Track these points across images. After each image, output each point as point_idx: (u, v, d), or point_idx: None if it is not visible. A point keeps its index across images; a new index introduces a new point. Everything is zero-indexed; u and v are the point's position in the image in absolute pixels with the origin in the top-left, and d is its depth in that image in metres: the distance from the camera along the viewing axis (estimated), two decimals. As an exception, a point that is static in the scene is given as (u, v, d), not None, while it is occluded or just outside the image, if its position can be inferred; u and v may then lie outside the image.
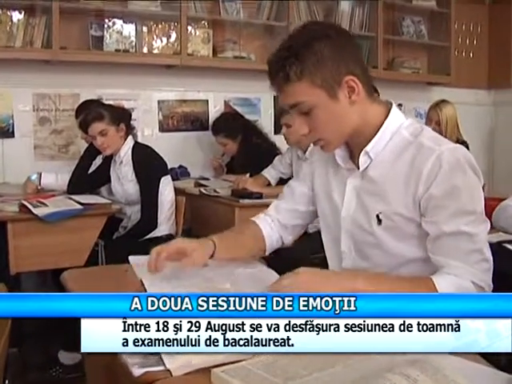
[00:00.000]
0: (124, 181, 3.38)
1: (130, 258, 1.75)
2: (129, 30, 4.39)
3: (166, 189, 3.39)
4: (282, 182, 4.07)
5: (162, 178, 3.36)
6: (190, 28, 4.56)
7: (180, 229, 3.49)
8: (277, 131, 4.70)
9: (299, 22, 4.88)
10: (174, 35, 4.55)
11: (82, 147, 4.26)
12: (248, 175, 4.14)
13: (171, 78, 4.69)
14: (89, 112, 3.38)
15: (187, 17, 4.44)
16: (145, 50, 4.49)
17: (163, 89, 4.72)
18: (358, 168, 1.56)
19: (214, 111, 4.89)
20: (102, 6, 4.22)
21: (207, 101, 4.92)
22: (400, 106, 5.79)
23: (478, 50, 6.29)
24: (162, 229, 3.34)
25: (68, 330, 3.09)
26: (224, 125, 4.44)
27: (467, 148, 4.54)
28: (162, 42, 4.55)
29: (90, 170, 3.60)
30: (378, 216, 1.52)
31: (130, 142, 3.39)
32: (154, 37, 4.52)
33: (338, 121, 1.49)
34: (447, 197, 1.42)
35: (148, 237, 3.27)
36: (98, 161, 3.62)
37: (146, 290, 1.45)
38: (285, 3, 4.80)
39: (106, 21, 4.29)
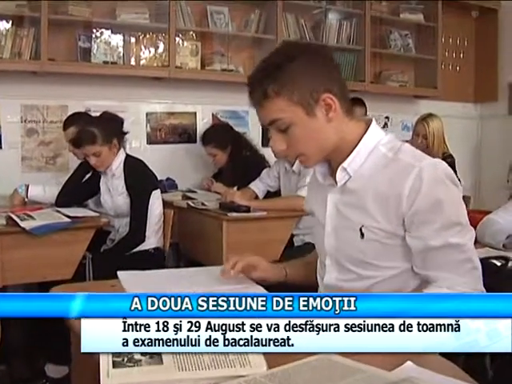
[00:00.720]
0: (114, 193, 3.37)
1: (119, 273, 1.74)
2: (117, 41, 4.40)
3: (156, 202, 3.38)
4: (269, 194, 4.09)
5: (153, 192, 3.35)
6: (178, 40, 4.56)
7: (168, 242, 3.47)
8: (264, 144, 4.70)
9: (287, 35, 4.92)
10: (162, 47, 4.56)
11: (69, 159, 4.26)
12: (236, 188, 4.14)
13: (159, 90, 4.69)
14: (81, 132, 3.34)
15: (176, 29, 4.45)
16: (133, 61, 4.50)
17: (151, 101, 4.72)
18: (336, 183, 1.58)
19: (202, 123, 4.90)
20: (90, 17, 4.24)
21: (195, 113, 4.92)
22: (387, 118, 5.84)
23: (465, 63, 6.35)
24: (150, 242, 3.33)
25: (55, 342, 3.08)
26: (214, 135, 4.44)
27: (453, 162, 4.62)
28: (150, 53, 4.56)
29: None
30: (360, 229, 1.53)
31: (121, 155, 3.37)
32: (143, 48, 4.53)
33: (315, 137, 1.51)
34: (432, 211, 1.44)
35: (136, 250, 3.26)
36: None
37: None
38: (273, 16, 4.83)
39: (95, 32, 4.29)
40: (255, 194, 4.02)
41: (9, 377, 3.04)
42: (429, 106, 5.78)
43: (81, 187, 3.53)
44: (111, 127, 3.38)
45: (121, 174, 3.33)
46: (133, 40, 4.49)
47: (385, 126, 5.86)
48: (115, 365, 1.00)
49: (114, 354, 1.02)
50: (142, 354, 1.03)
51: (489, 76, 6.28)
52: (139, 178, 3.33)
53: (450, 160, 4.63)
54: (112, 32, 4.36)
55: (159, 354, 1.03)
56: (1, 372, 2.92)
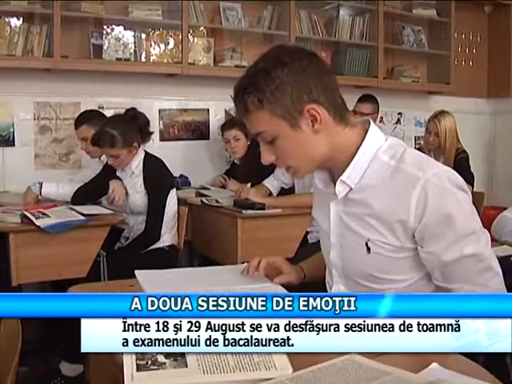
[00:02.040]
0: (132, 191, 3.35)
1: (137, 272, 1.73)
2: (130, 38, 4.40)
3: (172, 201, 3.38)
4: (284, 191, 4.07)
5: (170, 191, 3.36)
6: (190, 37, 4.56)
7: (182, 240, 3.47)
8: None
9: (300, 31, 4.91)
10: (174, 44, 4.55)
11: (82, 156, 4.26)
12: (249, 185, 4.13)
13: (172, 86, 4.69)
14: (102, 133, 3.29)
15: (188, 25, 4.45)
16: (145, 58, 4.49)
17: (164, 98, 4.72)
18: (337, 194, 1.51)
19: (215, 120, 4.89)
20: (102, 14, 4.24)
21: (208, 110, 4.92)
22: (400, 114, 5.82)
23: (478, 58, 6.32)
24: (165, 240, 3.33)
25: (70, 340, 3.08)
26: (239, 120, 4.41)
27: (467, 157, 4.59)
28: (162, 50, 4.55)
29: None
30: (366, 243, 1.48)
31: (141, 154, 3.35)
32: (155, 45, 4.52)
33: (302, 149, 1.45)
34: (442, 226, 1.39)
35: (150, 248, 3.26)
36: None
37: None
38: (286, 13, 4.82)
39: (107, 29, 4.30)
40: (269, 191, 4.00)
41: (22, 374, 3.05)
42: (442, 102, 5.76)
43: (96, 184, 3.52)
44: (132, 129, 3.34)
45: (140, 173, 3.32)
46: (145, 37, 4.48)
47: (398, 121, 5.84)
48: (139, 368, 0.99)
49: (138, 357, 1.01)
50: (166, 356, 1.02)
51: (502, 71, 6.24)
52: (159, 177, 3.33)
53: (463, 155, 4.62)
54: (125, 29, 4.36)
55: (184, 356, 1.02)
56: (22, 373, 2.92)
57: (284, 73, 1.39)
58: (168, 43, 4.55)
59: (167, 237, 3.36)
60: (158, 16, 4.41)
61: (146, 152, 3.40)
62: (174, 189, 3.44)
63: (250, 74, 1.44)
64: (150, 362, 1.00)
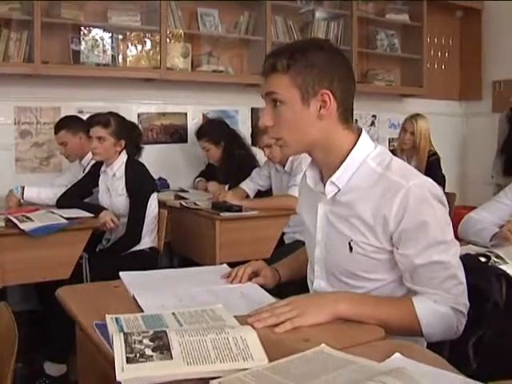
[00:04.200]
0: (113, 193, 3.43)
1: (121, 274, 1.82)
2: (109, 43, 4.46)
3: (153, 204, 3.46)
4: (260, 193, 4.18)
5: (151, 195, 3.44)
6: (169, 42, 4.63)
7: (162, 241, 3.55)
8: (253, 143, 4.79)
9: (276, 36, 5.01)
10: (153, 49, 4.62)
11: (63, 160, 4.32)
12: (227, 187, 4.23)
13: (150, 91, 4.76)
14: (99, 115, 3.45)
15: (166, 31, 4.52)
16: (124, 63, 4.56)
17: (143, 102, 4.79)
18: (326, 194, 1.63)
19: (193, 123, 4.98)
20: (81, 20, 4.29)
21: (186, 114, 5.00)
22: (374, 117, 5.95)
23: (450, 62, 6.49)
24: (145, 242, 3.41)
25: (54, 341, 3.15)
26: (208, 130, 4.51)
27: (438, 160, 4.72)
28: (141, 55, 4.62)
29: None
30: (349, 243, 1.59)
31: (123, 156, 3.44)
32: (134, 50, 4.59)
33: (299, 126, 1.56)
34: (417, 231, 1.50)
35: (132, 250, 3.34)
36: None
37: (139, 305, 1.53)
38: (262, 18, 4.92)
39: (86, 35, 4.36)
40: (246, 193, 4.11)
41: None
42: (415, 104, 5.91)
43: (79, 185, 3.59)
44: (126, 130, 3.47)
45: (122, 176, 3.40)
46: (124, 42, 4.55)
47: (372, 124, 5.97)
48: (128, 360, 1.08)
49: (127, 351, 1.10)
50: (153, 350, 1.11)
51: (473, 75, 6.43)
52: (140, 180, 3.41)
53: (435, 158, 4.76)
54: (104, 34, 4.42)
55: (169, 349, 1.11)
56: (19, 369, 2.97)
57: (319, 56, 1.54)
58: (146, 48, 4.63)
59: (148, 239, 3.44)
60: (137, 22, 4.48)
61: (128, 156, 3.48)
62: (155, 192, 3.52)
63: (289, 46, 1.60)
64: (138, 355, 1.09)
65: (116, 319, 1.34)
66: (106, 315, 1.36)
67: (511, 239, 2.30)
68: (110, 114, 3.46)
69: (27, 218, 2.97)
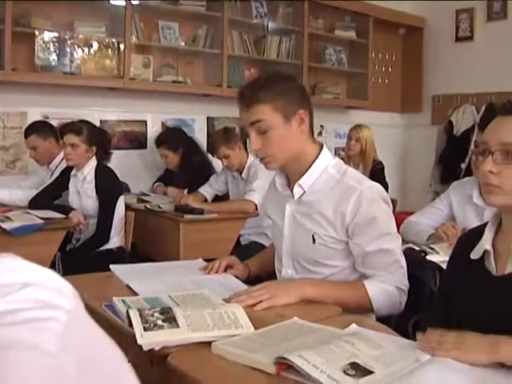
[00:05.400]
0: (83, 196, 3.66)
1: (112, 266, 2.09)
2: (75, 53, 4.66)
3: (120, 206, 3.71)
4: (217, 198, 4.48)
5: (119, 197, 3.69)
6: (132, 53, 4.86)
7: (129, 241, 3.80)
8: (208, 150, 5.07)
9: (232, 49, 5.30)
10: (116, 59, 4.85)
11: (28, 163, 4.51)
12: (186, 191, 4.50)
13: (112, 99, 4.98)
14: (72, 123, 3.68)
15: (130, 43, 4.76)
16: (89, 72, 4.76)
17: (105, 109, 5.00)
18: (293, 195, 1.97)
19: (152, 131, 5.22)
20: (50, 29, 4.48)
21: (145, 121, 5.25)
22: (322, 127, 6.30)
23: (393, 77, 6.92)
24: (114, 241, 3.65)
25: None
26: (167, 138, 4.79)
27: (383, 168, 5.09)
28: (105, 65, 4.83)
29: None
30: (312, 236, 1.92)
31: (93, 161, 3.67)
32: (99, 60, 4.80)
33: (287, 142, 1.88)
34: (368, 225, 1.85)
35: (101, 249, 3.58)
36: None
37: (134, 292, 1.80)
38: (219, 32, 5.20)
39: (54, 44, 4.54)
40: (204, 198, 4.40)
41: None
42: (360, 116, 6.31)
43: (51, 187, 3.80)
44: (98, 137, 3.70)
45: (91, 179, 3.63)
46: (89, 52, 4.75)
47: (320, 133, 6.31)
48: (145, 329, 1.36)
49: (143, 322, 1.38)
50: (163, 321, 1.39)
51: (414, 89, 6.88)
52: (109, 184, 3.66)
53: (379, 167, 5.13)
54: (71, 44, 4.62)
55: (175, 321, 1.40)
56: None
57: (289, 83, 1.92)
58: (111, 59, 4.84)
59: (116, 239, 3.68)
60: (102, 33, 4.71)
61: (98, 161, 3.71)
62: (123, 195, 3.77)
63: (261, 79, 1.94)
64: (152, 325, 1.36)
65: (123, 300, 1.61)
66: (113, 298, 1.63)
67: (444, 238, 2.67)
68: (82, 121, 3.69)
69: (7, 217, 3.17)
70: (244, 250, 4.07)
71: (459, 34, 6.50)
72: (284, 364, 1.18)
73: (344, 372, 1.13)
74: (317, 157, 1.94)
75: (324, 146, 2.00)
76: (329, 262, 1.94)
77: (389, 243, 1.88)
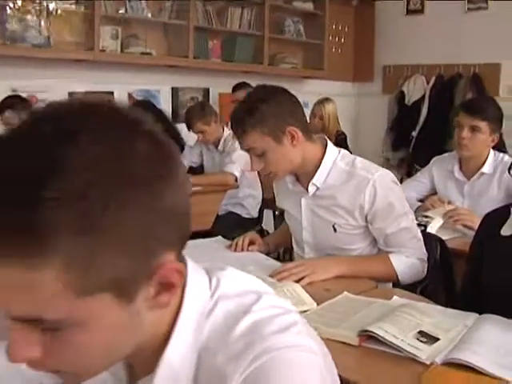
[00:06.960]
0: None
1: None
2: (44, 25, 4.60)
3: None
4: (192, 170, 4.60)
5: None
6: (100, 24, 4.83)
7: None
8: (174, 120, 5.16)
9: (197, 20, 5.35)
10: (86, 31, 4.82)
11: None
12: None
13: (81, 71, 4.95)
14: None
15: (100, 13, 4.74)
16: (58, 44, 4.72)
17: (74, 81, 4.97)
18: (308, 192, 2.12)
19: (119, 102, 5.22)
20: (18, 2, 4.43)
21: (112, 92, 5.26)
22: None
23: (345, 47, 7.09)
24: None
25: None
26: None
27: (345, 138, 5.29)
28: (74, 37, 4.80)
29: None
30: (333, 226, 2.10)
31: None
32: (68, 32, 4.76)
33: (284, 159, 2.02)
34: (385, 210, 2.03)
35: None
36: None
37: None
38: (184, 4, 5.24)
39: (23, 16, 4.48)
40: (179, 170, 4.51)
41: None
42: (314, 85, 6.49)
43: None
44: None
45: None
46: (58, 23, 4.70)
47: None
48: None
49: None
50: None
51: (366, 59, 7.08)
52: None
53: (342, 137, 5.35)
54: (39, 16, 4.57)
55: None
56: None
57: (271, 106, 1.95)
58: (80, 30, 4.82)
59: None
60: (72, 5, 4.68)
61: None
62: None
63: (244, 108, 1.99)
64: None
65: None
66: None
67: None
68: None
69: None
70: (222, 221, 4.24)
71: (410, 6, 6.72)
72: (364, 336, 1.37)
73: (417, 339, 1.33)
74: (322, 155, 2.07)
75: (328, 141, 2.13)
76: (350, 247, 2.12)
77: (406, 221, 2.07)
